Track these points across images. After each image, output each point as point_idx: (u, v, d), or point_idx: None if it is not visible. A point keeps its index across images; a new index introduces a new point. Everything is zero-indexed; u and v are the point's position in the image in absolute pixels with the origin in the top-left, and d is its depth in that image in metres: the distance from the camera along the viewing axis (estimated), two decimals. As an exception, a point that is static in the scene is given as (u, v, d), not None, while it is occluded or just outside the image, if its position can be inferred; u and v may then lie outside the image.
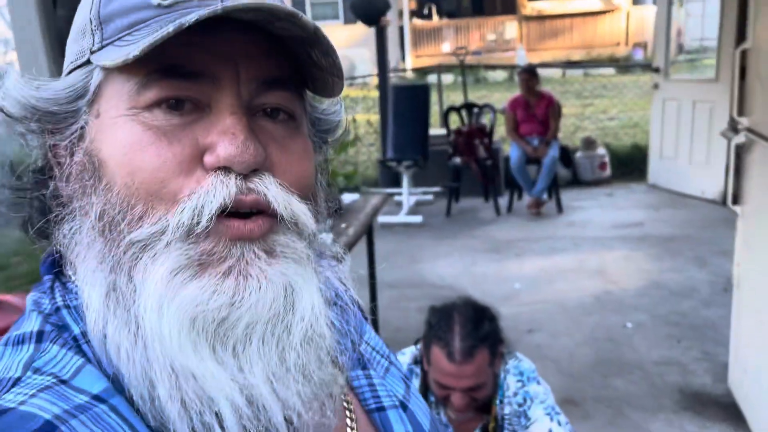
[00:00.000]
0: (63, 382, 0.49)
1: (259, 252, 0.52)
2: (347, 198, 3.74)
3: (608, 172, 7.61)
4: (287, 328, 0.52)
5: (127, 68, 0.50)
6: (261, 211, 0.52)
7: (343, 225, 3.25)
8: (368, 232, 3.71)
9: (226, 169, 0.51)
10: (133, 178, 0.51)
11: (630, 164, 7.80)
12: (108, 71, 0.53)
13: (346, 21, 16.57)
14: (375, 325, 3.96)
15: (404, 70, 15.89)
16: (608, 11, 17.19)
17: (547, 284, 4.76)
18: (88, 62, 0.54)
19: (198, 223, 0.50)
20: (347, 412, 0.64)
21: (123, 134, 0.52)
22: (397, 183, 7.03)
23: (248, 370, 0.50)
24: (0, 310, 2.00)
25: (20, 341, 0.53)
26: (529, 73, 6.46)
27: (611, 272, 4.92)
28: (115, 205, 0.51)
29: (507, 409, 1.90)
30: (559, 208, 6.54)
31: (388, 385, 0.70)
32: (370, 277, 3.91)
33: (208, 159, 0.51)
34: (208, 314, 0.50)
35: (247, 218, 0.52)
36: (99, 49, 0.53)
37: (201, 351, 0.49)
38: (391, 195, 6.98)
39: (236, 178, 0.51)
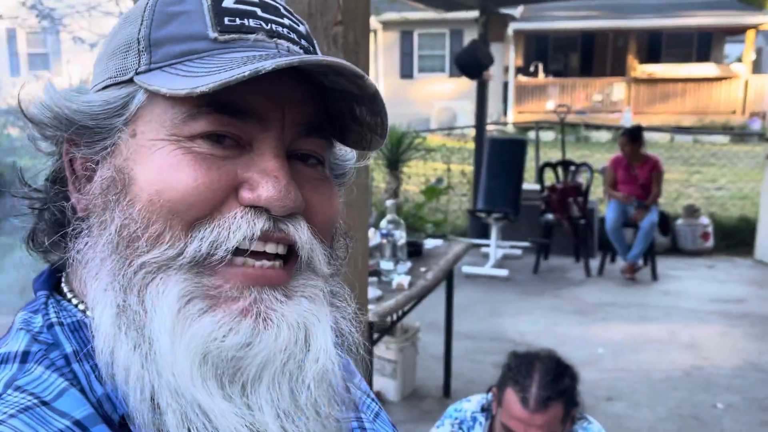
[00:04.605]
0: (44, 403, 0.48)
1: (278, 295, 0.53)
2: (430, 243, 3.77)
3: (711, 242, 7.24)
4: (300, 367, 0.52)
5: (175, 97, 0.50)
6: (281, 255, 0.54)
7: (423, 269, 3.28)
8: (448, 279, 3.71)
9: (260, 209, 0.52)
10: (161, 195, 0.50)
11: (736, 237, 7.39)
12: (152, 95, 0.53)
13: (451, 74, 16.84)
14: (448, 374, 3.93)
15: (505, 124, 15.90)
16: (725, 78, 16.52)
17: (633, 353, 4.54)
18: (129, 81, 0.54)
19: (213, 255, 0.51)
20: None
21: (161, 156, 0.52)
22: (485, 235, 6.99)
23: (257, 408, 0.50)
24: None
25: (3, 360, 0.51)
26: (630, 137, 6.24)
27: (704, 347, 4.63)
28: (135, 221, 0.51)
29: (567, 473, 1.83)
30: (654, 276, 6.27)
31: (378, 430, 0.70)
32: (446, 325, 3.89)
33: (247, 195, 0.52)
34: (222, 352, 0.49)
35: (265, 260, 0.53)
36: (145, 72, 0.53)
37: (210, 386, 0.49)
38: (477, 246, 6.95)
39: (267, 219, 0.52)
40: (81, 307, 0.56)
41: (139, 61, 0.54)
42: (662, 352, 4.54)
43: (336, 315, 0.58)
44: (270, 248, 0.53)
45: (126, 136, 0.54)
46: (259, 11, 0.55)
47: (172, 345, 0.49)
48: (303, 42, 0.58)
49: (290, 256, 0.55)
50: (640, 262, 6.32)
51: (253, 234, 0.51)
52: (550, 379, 1.76)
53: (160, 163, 0.51)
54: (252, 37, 0.54)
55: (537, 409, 1.72)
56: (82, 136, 0.55)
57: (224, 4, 0.54)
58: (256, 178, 0.52)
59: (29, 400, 0.48)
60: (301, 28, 0.59)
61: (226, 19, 0.54)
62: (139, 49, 0.54)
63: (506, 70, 17.22)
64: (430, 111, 16.86)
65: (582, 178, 6.82)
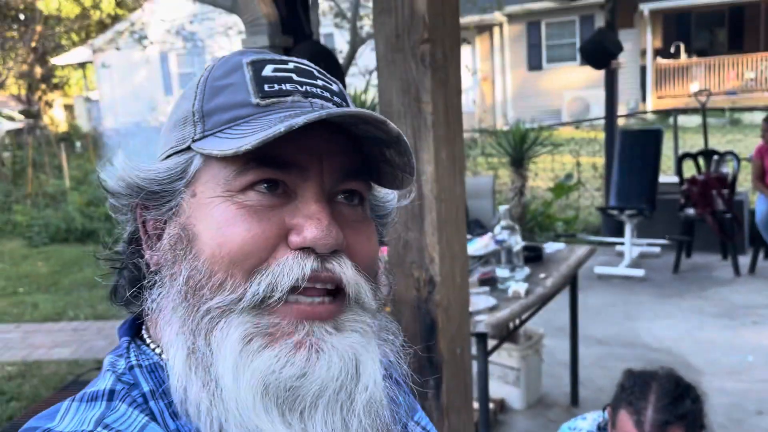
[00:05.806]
0: None
1: (328, 327, 0.58)
2: (551, 247, 3.64)
3: None
4: (350, 397, 0.57)
5: (226, 157, 0.57)
6: (331, 291, 0.59)
7: (542, 275, 3.18)
8: (572, 283, 3.57)
9: (307, 249, 0.57)
10: (222, 248, 0.57)
11: None
12: (206, 158, 0.60)
13: (582, 62, 16.16)
14: (575, 381, 3.76)
15: (644, 112, 14.98)
16: None
17: (790, 361, 4.11)
18: (188, 149, 0.61)
19: (271, 297, 0.56)
20: None
21: (218, 212, 0.58)
22: (620, 232, 6.62)
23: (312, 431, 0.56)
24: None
25: (94, 398, 0.59)
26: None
27: None
28: (200, 271, 0.57)
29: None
30: (817, 273, 5.62)
31: None
32: (571, 332, 3.73)
33: (294, 239, 0.57)
34: (281, 382, 0.55)
35: (315, 296, 0.58)
36: (200, 138, 0.60)
37: (272, 415, 0.55)
38: (611, 244, 6.62)
39: (315, 259, 0.57)
40: (157, 350, 0.63)
41: (195, 131, 0.61)
42: (825, 360, 4.07)
43: (384, 349, 0.63)
44: (319, 285, 0.58)
45: (188, 197, 0.61)
46: (294, 76, 0.62)
47: (236, 381, 0.55)
48: (336, 99, 0.64)
49: (339, 292, 0.59)
50: (800, 258, 5.70)
51: (304, 274, 0.57)
52: (668, 402, 1.65)
53: (218, 219, 0.58)
54: (289, 99, 0.60)
55: None
56: (150, 200, 0.63)
57: (264, 74, 0.61)
58: (301, 222, 0.57)
59: None
60: (334, 87, 0.65)
61: (266, 86, 0.61)
62: (194, 121, 0.61)
63: (643, 53, 16.21)
64: (561, 102, 16.26)
65: (728, 168, 6.27)
